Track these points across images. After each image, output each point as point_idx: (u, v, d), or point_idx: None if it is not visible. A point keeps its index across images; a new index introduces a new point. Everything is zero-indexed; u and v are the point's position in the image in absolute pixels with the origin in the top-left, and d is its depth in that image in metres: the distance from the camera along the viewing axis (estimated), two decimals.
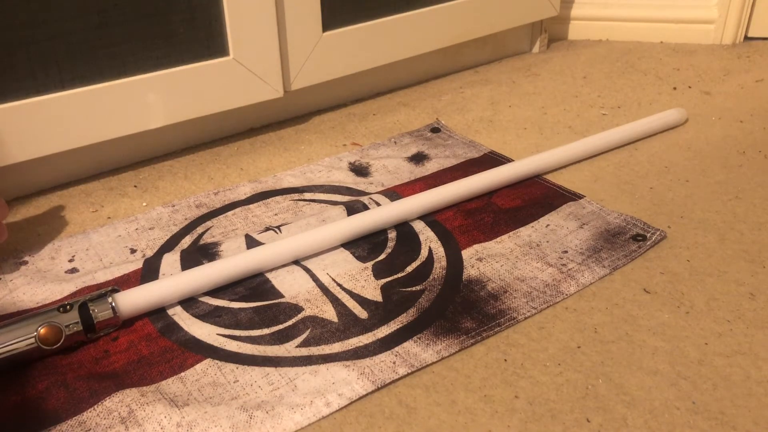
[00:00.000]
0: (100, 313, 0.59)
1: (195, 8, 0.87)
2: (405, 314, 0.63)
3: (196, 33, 0.88)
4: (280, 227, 0.76)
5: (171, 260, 0.71)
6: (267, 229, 0.76)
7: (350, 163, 0.91)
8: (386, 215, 0.75)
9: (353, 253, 0.72)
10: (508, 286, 0.66)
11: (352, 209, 0.78)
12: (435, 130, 1.00)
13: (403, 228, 0.76)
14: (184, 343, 0.60)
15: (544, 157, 0.85)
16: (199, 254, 0.72)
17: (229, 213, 0.80)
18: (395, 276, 0.68)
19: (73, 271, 0.70)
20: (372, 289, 0.66)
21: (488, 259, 0.70)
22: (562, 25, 1.36)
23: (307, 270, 0.69)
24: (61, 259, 0.72)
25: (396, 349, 0.59)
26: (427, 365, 0.57)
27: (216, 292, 0.66)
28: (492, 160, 0.89)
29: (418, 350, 0.59)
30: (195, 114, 0.92)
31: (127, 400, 0.54)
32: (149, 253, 0.73)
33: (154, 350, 0.59)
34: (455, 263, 0.70)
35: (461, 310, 0.63)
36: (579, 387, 0.55)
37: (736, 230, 0.74)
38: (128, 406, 0.53)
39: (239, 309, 0.64)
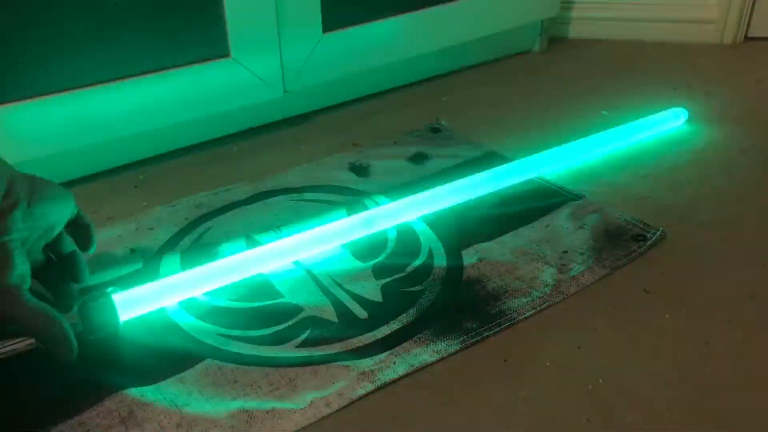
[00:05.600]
0: (100, 312, 0.59)
1: (195, 9, 0.87)
2: (405, 314, 0.63)
3: (197, 33, 0.88)
4: (280, 227, 0.76)
5: (171, 260, 0.71)
6: (267, 229, 0.76)
7: (350, 163, 0.90)
8: (386, 215, 0.75)
9: (353, 253, 0.72)
10: (508, 286, 0.66)
11: (352, 209, 0.78)
12: (435, 130, 0.99)
13: (403, 228, 0.76)
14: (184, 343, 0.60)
15: (544, 157, 0.85)
16: (199, 254, 0.72)
17: (229, 213, 0.80)
18: (395, 276, 0.68)
19: None
20: (372, 289, 0.66)
21: (488, 259, 0.70)
22: (562, 25, 1.36)
23: (307, 270, 0.69)
24: None
25: (396, 349, 0.59)
26: (427, 365, 0.57)
27: (216, 292, 0.66)
28: (492, 160, 0.89)
29: (418, 350, 0.58)
30: (195, 114, 0.92)
31: (127, 400, 0.54)
32: (149, 253, 0.73)
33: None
34: (455, 263, 0.70)
35: (461, 310, 0.63)
36: (579, 387, 0.55)
37: (736, 231, 0.74)
38: (128, 406, 0.53)
39: (239, 309, 0.64)
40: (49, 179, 0.58)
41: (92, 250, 0.64)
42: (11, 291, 0.51)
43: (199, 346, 0.60)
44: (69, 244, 0.62)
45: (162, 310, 0.63)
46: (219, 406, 0.53)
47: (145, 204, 0.83)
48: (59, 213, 0.59)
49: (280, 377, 0.56)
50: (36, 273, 0.58)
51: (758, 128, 0.97)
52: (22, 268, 0.52)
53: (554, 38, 1.35)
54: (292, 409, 0.53)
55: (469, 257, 0.70)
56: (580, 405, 0.53)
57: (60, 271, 0.62)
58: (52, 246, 0.60)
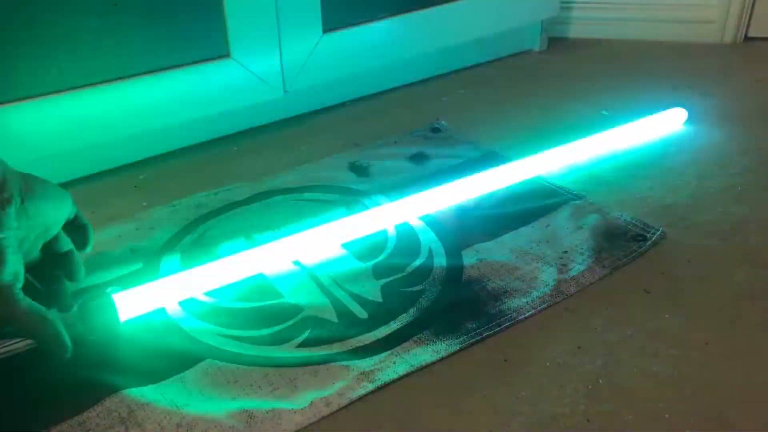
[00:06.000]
0: (100, 312, 0.59)
1: (195, 9, 0.87)
2: (405, 314, 0.63)
3: (197, 33, 0.88)
4: (280, 227, 0.76)
5: (171, 260, 0.71)
6: (267, 229, 0.76)
7: (350, 163, 0.90)
8: (386, 215, 0.75)
9: (353, 253, 0.72)
10: (508, 286, 0.66)
11: (352, 209, 0.78)
12: (435, 130, 0.99)
13: (403, 228, 0.76)
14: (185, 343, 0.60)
15: (544, 157, 0.85)
16: (199, 254, 0.72)
17: (229, 213, 0.80)
18: (395, 276, 0.68)
19: None
20: (372, 289, 0.66)
21: (488, 259, 0.70)
22: (562, 25, 1.36)
23: (307, 270, 0.69)
24: None
25: (396, 349, 0.59)
26: (427, 365, 0.57)
27: (216, 292, 0.66)
28: (492, 159, 0.89)
29: (418, 350, 0.58)
30: (195, 114, 0.92)
31: (127, 400, 0.54)
32: (149, 253, 0.73)
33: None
34: (455, 263, 0.70)
35: (461, 310, 0.63)
36: (579, 387, 0.55)
37: (736, 231, 0.74)
38: (128, 406, 0.53)
39: (239, 309, 0.64)
40: (45, 178, 0.58)
41: (88, 249, 0.64)
42: (3, 290, 0.51)
43: (199, 346, 0.60)
44: (66, 243, 0.62)
45: (162, 310, 0.63)
46: (219, 406, 0.53)
47: (145, 204, 0.83)
48: (55, 212, 0.58)
49: (280, 377, 0.56)
50: (33, 270, 0.58)
51: (758, 128, 0.97)
52: (14, 266, 0.52)
53: (554, 38, 1.35)
54: (292, 409, 0.53)
55: (469, 257, 0.70)
56: (580, 405, 0.53)
57: (56, 269, 0.62)
58: (50, 244, 0.60)
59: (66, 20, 0.78)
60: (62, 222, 0.60)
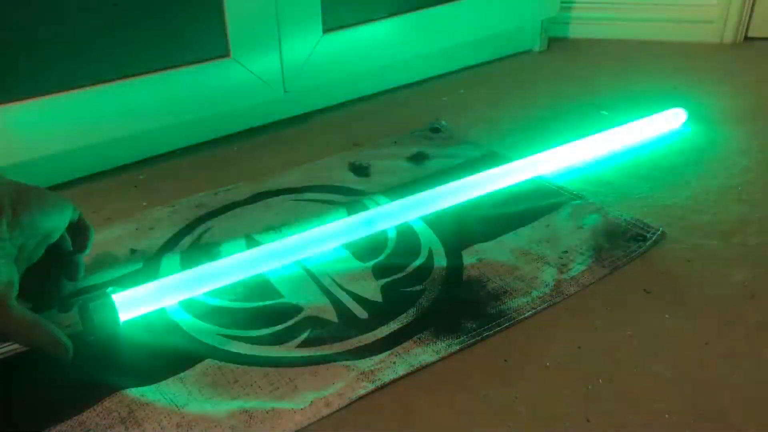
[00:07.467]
0: (100, 312, 0.59)
1: (195, 9, 0.87)
2: (405, 314, 0.63)
3: (197, 33, 0.88)
4: (280, 227, 0.76)
5: (171, 260, 0.71)
6: (267, 229, 0.76)
7: (350, 163, 0.90)
8: (386, 215, 0.75)
9: (353, 253, 0.72)
10: (508, 286, 0.66)
11: (352, 209, 0.78)
12: (435, 130, 0.99)
13: (403, 228, 0.76)
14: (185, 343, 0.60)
15: (544, 157, 0.85)
16: (199, 254, 0.72)
17: (229, 213, 0.80)
18: (395, 276, 0.68)
19: None
20: (372, 289, 0.66)
21: (488, 259, 0.70)
22: (562, 25, 1.36)
23: (307, 270, 0.69)
24: None
25: (396, 349, 0.59)
26: (427, 365, 0.57)
27: (216, 292, 0.66)
28: (492, 160, 0.89)
29: (418, 350, 0.58)
30: (195, 114, 0.92)
31: (127, 400, 0.54)
32: (149, 253, 0.73)
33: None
34: (455, 263, 0.70)
35: (461, 311, 0.63)
36: (579, 387, 0.55)
37: (736, 231, 0.74)
38: (128, 406, 0.53)
39: (239, 309, 0.64)
40: (43, 187, 0.58)
41: (86, 252, 0.64)
42: None
43: (199, 346, 0.60)
44: (68, 244, 0.62)
45: (162, 310, 0.63)
46: (219, 406, 0.53)
47: (145, 204, 0.83)
48: (53, 221, 0.58)
49: (280, 377, 0.56)
50: (33, 269, 0.58)
51: (758, 128, 0.97)
52: (7, 276, 0.52)
53: (554, 38, 1.35)
54: (292, 409, 0.53)
55: (469, 257, 0.70)
56: (580, 405, 0.53)
57: (56, 268, 0.62)
58: (53, 245, 0.60)
59: (66, 20, 0.78)
60: (63, 228, 0.60)
